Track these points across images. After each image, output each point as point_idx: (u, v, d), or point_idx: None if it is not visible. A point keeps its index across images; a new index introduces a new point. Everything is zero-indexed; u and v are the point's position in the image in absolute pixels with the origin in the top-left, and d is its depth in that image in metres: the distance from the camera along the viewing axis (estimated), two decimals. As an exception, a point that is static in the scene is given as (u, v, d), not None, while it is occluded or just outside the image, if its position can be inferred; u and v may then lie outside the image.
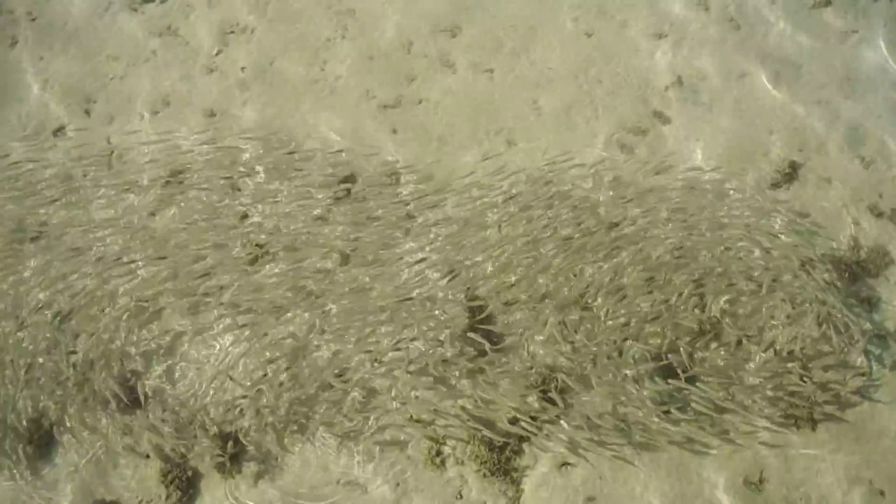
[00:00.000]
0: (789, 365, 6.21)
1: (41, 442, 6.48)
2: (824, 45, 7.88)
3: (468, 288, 6.70)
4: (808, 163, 7.19)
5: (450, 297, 6.67)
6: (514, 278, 6.70)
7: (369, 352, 6.54)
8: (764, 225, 6.79)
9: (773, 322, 6.37)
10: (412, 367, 6.41)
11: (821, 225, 6.83)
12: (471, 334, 6.44)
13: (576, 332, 6.41)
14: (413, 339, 6.54)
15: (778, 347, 6.28)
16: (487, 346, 6.37)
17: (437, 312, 6.62)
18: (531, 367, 6.35)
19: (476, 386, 6.32)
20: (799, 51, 7.87)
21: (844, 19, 8.01)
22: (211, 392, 6.57)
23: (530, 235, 6.87)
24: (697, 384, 6.20)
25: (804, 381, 6.13)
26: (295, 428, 6.38)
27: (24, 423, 6.51)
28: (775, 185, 7.06)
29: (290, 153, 7.66)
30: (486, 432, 6.12)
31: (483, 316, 6.56)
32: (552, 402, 6.17)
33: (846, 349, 6.31)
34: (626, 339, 6.35)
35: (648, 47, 8.02)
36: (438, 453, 6.19)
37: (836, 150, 7.26)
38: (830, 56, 7.81)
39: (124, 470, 6.37)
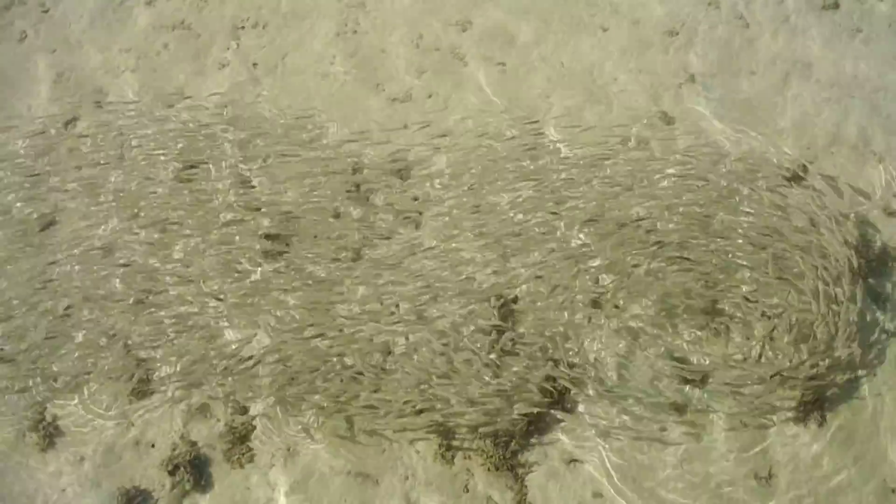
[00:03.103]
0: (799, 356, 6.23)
1: (47, 431, 6.52)
2: (834, 45, 7.87)
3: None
4: (818, 161, 7.18)
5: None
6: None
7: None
8: (775, 221, 6.76)
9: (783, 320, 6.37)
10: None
11: (832, 222, 6.79)
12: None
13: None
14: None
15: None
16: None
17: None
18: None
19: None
20: (809, 49, 7.87)
21: (852, 19, 8.00)
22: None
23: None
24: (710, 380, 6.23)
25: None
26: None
27: (29, 411, 6.58)
28: (786, 183, 7.03)
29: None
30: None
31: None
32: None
33: (858, 346, 6.29)
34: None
35: (661, 44, 8.02)
36: (449, 448, 6.19)
37: (848, 148, 7.25)
38: (840, 55, 7.81)
39: (132, 457, 6.40)
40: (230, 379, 6.50)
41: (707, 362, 6.29)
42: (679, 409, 6.17)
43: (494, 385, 6.21)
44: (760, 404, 6.10)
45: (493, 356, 6.32)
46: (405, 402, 6.21)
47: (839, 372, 6.18)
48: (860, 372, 6.22)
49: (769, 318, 6.37)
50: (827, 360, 6.15)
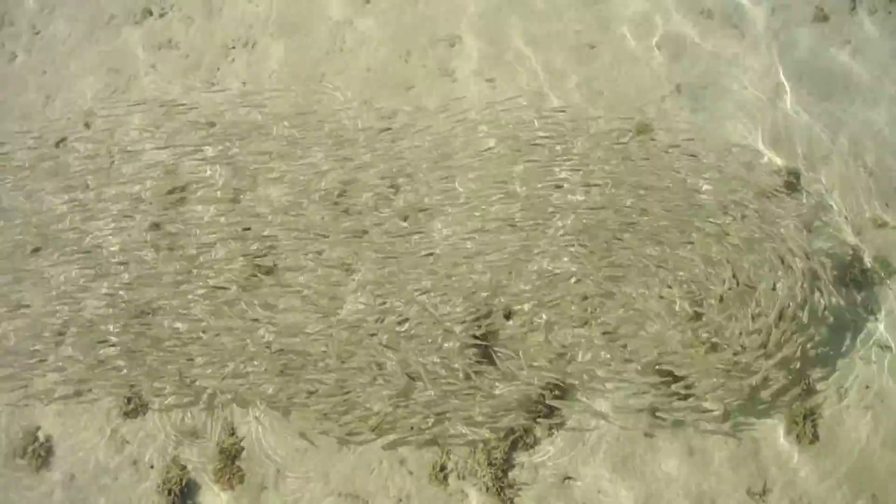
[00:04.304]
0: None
1: (37, 453, 6.54)
2: (824, 56, 7.85)
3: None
4: (810, 172, 7.17)
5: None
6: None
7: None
8: (765, 232, 6.75)
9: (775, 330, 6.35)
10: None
11: (824, 234, 6.80)
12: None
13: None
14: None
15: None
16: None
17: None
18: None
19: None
20: (800, 61, 7.84)
21: (842, 32, 7.99)
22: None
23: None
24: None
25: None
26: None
27: (20, 434, 6.64)
28: (778, 194, 7.00)
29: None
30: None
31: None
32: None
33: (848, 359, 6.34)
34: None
35: (649, 56, 8.02)
36: (442, 468, 6.18)
37: (840, 159, 7.23)
38: (830, 66, 7.78)
39: (124, 480, 6.40)
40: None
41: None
42: (673, 422, 6.20)
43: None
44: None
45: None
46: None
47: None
48: (850, 385, 6.24)
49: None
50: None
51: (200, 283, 7.01)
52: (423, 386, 6.28)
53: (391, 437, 6.32)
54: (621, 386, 6.28)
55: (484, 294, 6.64)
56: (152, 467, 6.44)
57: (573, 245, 6.77)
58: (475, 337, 6.44)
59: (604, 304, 6.55)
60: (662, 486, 6.00)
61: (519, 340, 6.51)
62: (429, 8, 8.64)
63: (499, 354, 6.41)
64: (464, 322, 6.49)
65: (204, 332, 6.77)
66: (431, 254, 6.94)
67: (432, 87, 8.08)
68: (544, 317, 6.57)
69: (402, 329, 6.58)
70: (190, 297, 6.95)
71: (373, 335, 6.57)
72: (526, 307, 6.62)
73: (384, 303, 6.74)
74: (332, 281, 6.91)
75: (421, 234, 7.07)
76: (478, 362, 6.37)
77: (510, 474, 6.12)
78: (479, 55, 8.23)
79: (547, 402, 6.22)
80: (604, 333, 6.45)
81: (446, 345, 6.44)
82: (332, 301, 6.82)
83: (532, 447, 6.21)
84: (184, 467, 6.38)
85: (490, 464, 6.08)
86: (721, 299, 6.39)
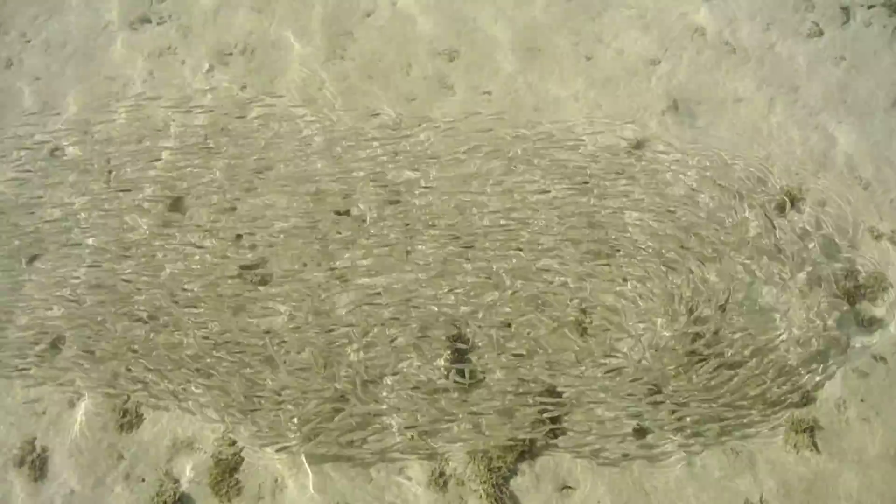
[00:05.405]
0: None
1: (35, 464, 6.47)
2: (819, 71, 7.93)
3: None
4: (805, 186, 7.21)
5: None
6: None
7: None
8: (759, 246, 6.80)
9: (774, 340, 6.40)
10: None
11: (820, 247, 6.83)
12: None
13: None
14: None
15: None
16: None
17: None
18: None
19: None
20: (795, 75, 7.92)
21: (835, 45, 8.06)
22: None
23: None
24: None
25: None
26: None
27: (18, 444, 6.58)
28: (774, 209, 7.05)
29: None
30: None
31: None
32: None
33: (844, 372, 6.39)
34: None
35: (645, 71, 8.06)
36: (441, 474, 6.16)
37: (834, 173, 7.29)
38: (825, 81, 7.86)
39: (119, 492, 6.35)
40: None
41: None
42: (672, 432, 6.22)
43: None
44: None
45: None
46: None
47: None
48: (847, 397, 6.27)
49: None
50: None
51: (198, 284, 7.06)
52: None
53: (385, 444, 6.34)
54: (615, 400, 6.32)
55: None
56: (143, 480, 6.40)
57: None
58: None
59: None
60: (661, 496, 6.00)
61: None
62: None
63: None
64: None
65: (200, 333, 6.82)
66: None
67: (432, 97, 8.13)
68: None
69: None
70: (188, 299, 7.00)
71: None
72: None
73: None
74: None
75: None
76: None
77: (510, 482, 6.12)
78: (476, 68, 8.28)
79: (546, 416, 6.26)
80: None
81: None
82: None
83: (532, 459, 6.21)
84: (177, 480, 6.34)
85: (489, 470, 6.08)
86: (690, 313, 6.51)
